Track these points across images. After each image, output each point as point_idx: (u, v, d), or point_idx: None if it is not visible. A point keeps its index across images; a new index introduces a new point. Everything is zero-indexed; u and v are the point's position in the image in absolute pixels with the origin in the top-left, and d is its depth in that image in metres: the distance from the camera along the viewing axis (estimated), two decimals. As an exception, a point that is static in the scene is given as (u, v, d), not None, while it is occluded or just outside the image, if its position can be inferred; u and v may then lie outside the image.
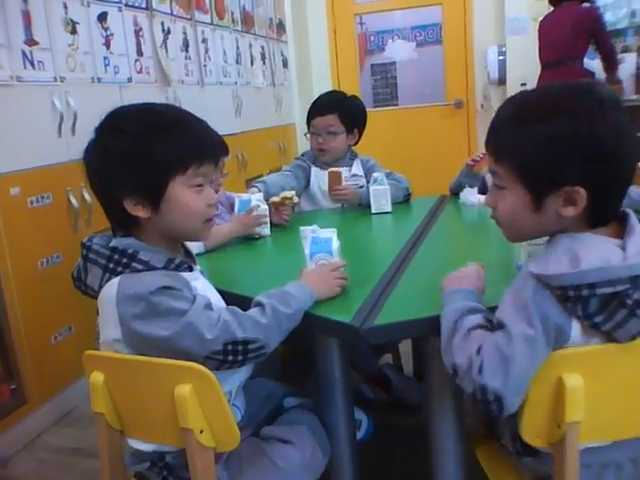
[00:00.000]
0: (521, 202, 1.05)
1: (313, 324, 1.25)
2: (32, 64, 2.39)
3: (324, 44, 5.64)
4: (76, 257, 1.20)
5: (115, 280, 1.12)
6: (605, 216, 1.03)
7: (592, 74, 4.22)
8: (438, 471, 1.33)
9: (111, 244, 1.14)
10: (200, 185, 1.18)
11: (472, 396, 0.98)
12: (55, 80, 2.51)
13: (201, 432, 1.08)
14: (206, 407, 1.07)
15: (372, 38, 5.78)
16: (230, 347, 1.09)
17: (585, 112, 0.97)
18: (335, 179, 2.36)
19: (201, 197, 1.18)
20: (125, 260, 1.12)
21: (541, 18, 4.37)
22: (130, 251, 1.13)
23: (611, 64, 4.22)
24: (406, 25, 5.64)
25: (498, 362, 0.96)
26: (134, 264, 1.12)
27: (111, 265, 1.13)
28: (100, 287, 1.14)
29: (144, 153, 1.12)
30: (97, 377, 1.16)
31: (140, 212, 1.15)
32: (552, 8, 4.32)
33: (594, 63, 4.73)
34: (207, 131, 1.23)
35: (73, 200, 2.55)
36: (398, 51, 5.72)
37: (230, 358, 1.09)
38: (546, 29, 4.22)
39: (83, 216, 2.62)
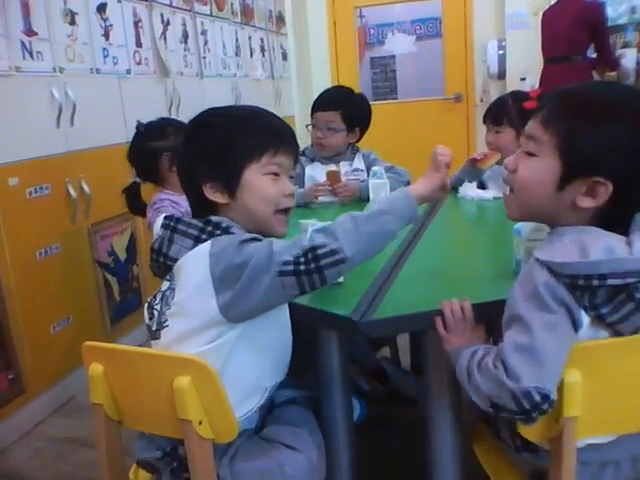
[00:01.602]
0: (548, 173, 1.04)
1: (312, 317, 1.25)
2: (31, 54, 2.38)
3: (324, 37, 5.63)
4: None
5: (207, 242, 1.14)
6: (616, 220, 1.03)
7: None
8: (435, 464, 1.33)
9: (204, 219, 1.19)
10: (276, 174, 1.24)
11: (523, 413, 0.95)
12: (54, 71, 2.50)
13: (200, 423, 1.08)
14: (205, 399, 1.07)
15: (372, 31, 5.78)
16: (301, 257, 1.06)
17: None
18: (334, 179, 2.36)
19: (275, 185, 1.24)
20: (219, 232, 1.16)
21: (544, 10, 4.34)
22: (224, 224, 1.17)
23: (610, 63, 4.22)
24: (406, 18, 5.64)
25: (526, 358, 0.95)
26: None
27: (204, 236, 1.16)
28: None
29: (224, 142, 1.22)
30: (96, 368, 1.16)
31: (218, 198, 1.22)
32: (553, 1, 4.31)
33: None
34: (282, 124, 1.30)
35: (72, 191, 2.55)
36: (398, 44, 5.71)
37: (302, 268, 1.05)
38: (549, 22, 4.20)
39: (82, 207, 2.62)
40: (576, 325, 0.97)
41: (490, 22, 5.08)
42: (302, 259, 1.05)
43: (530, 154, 1.07)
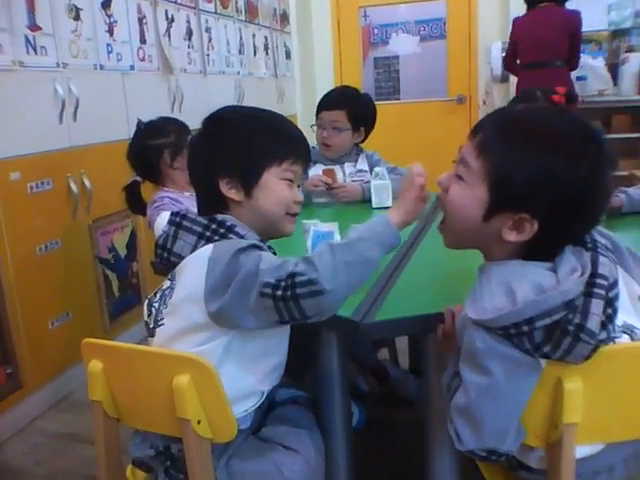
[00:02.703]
0: (474, 202, 1.02)
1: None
2: (35, 49, 2.38)
3: (328, 36, 5.62)
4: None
5: (210, 245, 1.14)
6: (541, 253, 1.00)
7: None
8: (433, 466, 1.33)
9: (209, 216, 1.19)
10: (290, 181, 1.26)
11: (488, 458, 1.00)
12: (57, 66, 2.50)
13: (198, 422, 1.08)
14: (204, 398, 1.07)
15: (376, 31, 5.77)
16: (282, 281, 1.03)
17: (582, 161, 0.95)
18: (329, 174, 2.36)
19: (291, 191, 1.25)
20: (222, 231, 1.16)
21: (516, 18, 4.41)
22: (228, 223, 1.17)
23: (574, 67, 4.33)
24: (410, 19, 5.63)
25: (465, 421, 0.98)
26: (230, 235, 1.15)
27: (207, 233, 1.16)
28: (191, 254, 1.16)
29: (247, 140, 1.23)
30: (95, 365, 1.16)
31: (233, 194, 1.21)
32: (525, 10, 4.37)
33: (595, 62, 4.75)
34: (302, 135, 1.32)
35: (73, 186, 2.55)
36: (402, 45, 5.70)
37: (279, 293, 1.02)
38: (528, 29, 4.25)
39: (83, 203, 2.62)
40: (534, 369, 0.96)
41: (494, 24, 5.07)
42: (282, 283, 1.02)
43: (460, 178, 1.05)
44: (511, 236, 1.00)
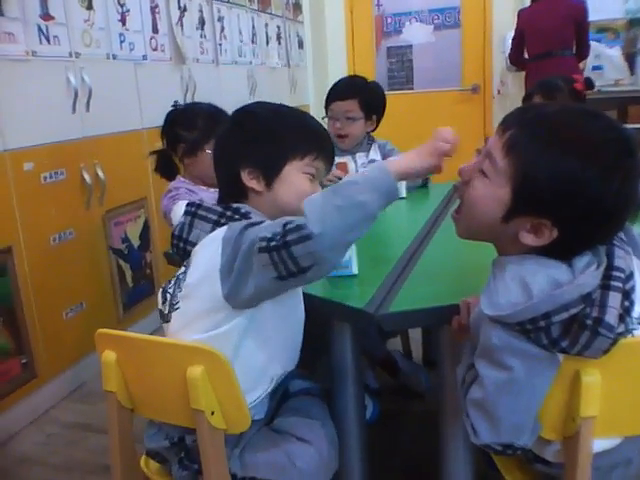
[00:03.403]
0: (495, 202, 1.00)
1: (326, 309, 1.24)
2: (47, 39, 2.37)
3: (340, 25, 5.59)
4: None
5: (224, 227, 1.14)
6: (557, 255, 0.98)
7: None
8: (447, 457, 1.33)
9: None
10: (312, 176, 1.26)
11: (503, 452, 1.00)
12: (70, 56, 2.50)
13: (212, 414, 1.07)
14: (218, 389, 1.07)
15: (389, 20, 5.72)
16: (276, 234, 1.01)
17: (616, 174, 0.92)
18: (343, 168, 2.35)
19: (311, 185, 1.25)
20: (237, 217, 1.16)
21: (522, 9, 4.42)
22: (243, 210, 1.17)
23: (585, 56, 4.35)
24: (424, 8, 5.58)
25: (481, 415, 0.98)
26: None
27: (223, 220, 1.17)
28: None
29: (272, 131, 1.24)
30: (109, 356, 1.16)
31: (254, 184, 1.22)
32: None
33: (612, 51, 4.69)
34: (326, 132, 1.33)
35: (86, 176, 2.55)
36: (415, 34, 5.65)
37: (272, 244, 1.00)
38: (535, 20, 4.24)
39: (96, 193, 2.62)
40: (552, 363, 0.95)
41: (509, 12, 5.00)
42: (277, 236, 1.00)
43: (484, 174, 1.01)
44: (528, 239, 0.98)
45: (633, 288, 0.94)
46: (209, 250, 1.13)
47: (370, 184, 1.03)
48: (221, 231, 1.13)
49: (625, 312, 0.92)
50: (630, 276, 0.95)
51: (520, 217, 0.98)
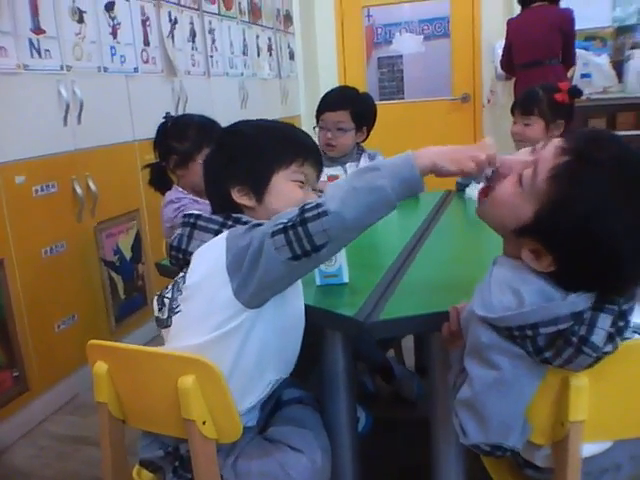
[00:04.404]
0: (516, 214, 0.98)
1: (318, 317, 1.25)
2: (39, 52, 2.38)
3: (331, 36, 5.62)
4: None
5: (226, 231, 1.17)
6: (555, 283, 0.96)
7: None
8: (439, 465, 1.33)
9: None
10: (302, 183, 1.28)
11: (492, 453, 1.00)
12: (61, 69, 2.51)
13: (204, 423, 1.08)
14: (209, 398, 1.07)
15: (379, 31, 5.76)
16: (294, 217, 1.04)
17: None
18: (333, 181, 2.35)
19: (302, 192, 1.27)
20: (239, 226, 1.18)
21: (510, 18, 4.45)
22: (244, 219, 1.20)
23: (571, 64, 4.37)
24: (414, 18, 5.62)
25: (470, 414, 0.98)
26: None
27: (224, 230, 1.18)
28: None
29: (254, 146, 1.27)
30: (101, 367, 1.16)
31: (246, 201, 1.25)
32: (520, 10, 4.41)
33: (599, 59, 4.73)
34: (310, 139, 1.35)
35: (78, 189, 2.55)
36: (405, 44, 5.69)
37: (290, 224, 1.03)
38: (522, 29, 4.28)
39: (88, 205, 2.62)
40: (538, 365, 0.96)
41: (498, 22, 5.04)
42: (294, 217, 1.04)
43: (520, 181, 0.99)
44: (528, 258, 0.97)
45: (631, 309, 0.95)
46: (213, 251, 1.14)
47: (390, 171, 1.04)
48: (224, 234, 1.15)
49: (617, 332, 0.91)
50: (631, 297, 0.94)
51: (530, 237, 0.97)
